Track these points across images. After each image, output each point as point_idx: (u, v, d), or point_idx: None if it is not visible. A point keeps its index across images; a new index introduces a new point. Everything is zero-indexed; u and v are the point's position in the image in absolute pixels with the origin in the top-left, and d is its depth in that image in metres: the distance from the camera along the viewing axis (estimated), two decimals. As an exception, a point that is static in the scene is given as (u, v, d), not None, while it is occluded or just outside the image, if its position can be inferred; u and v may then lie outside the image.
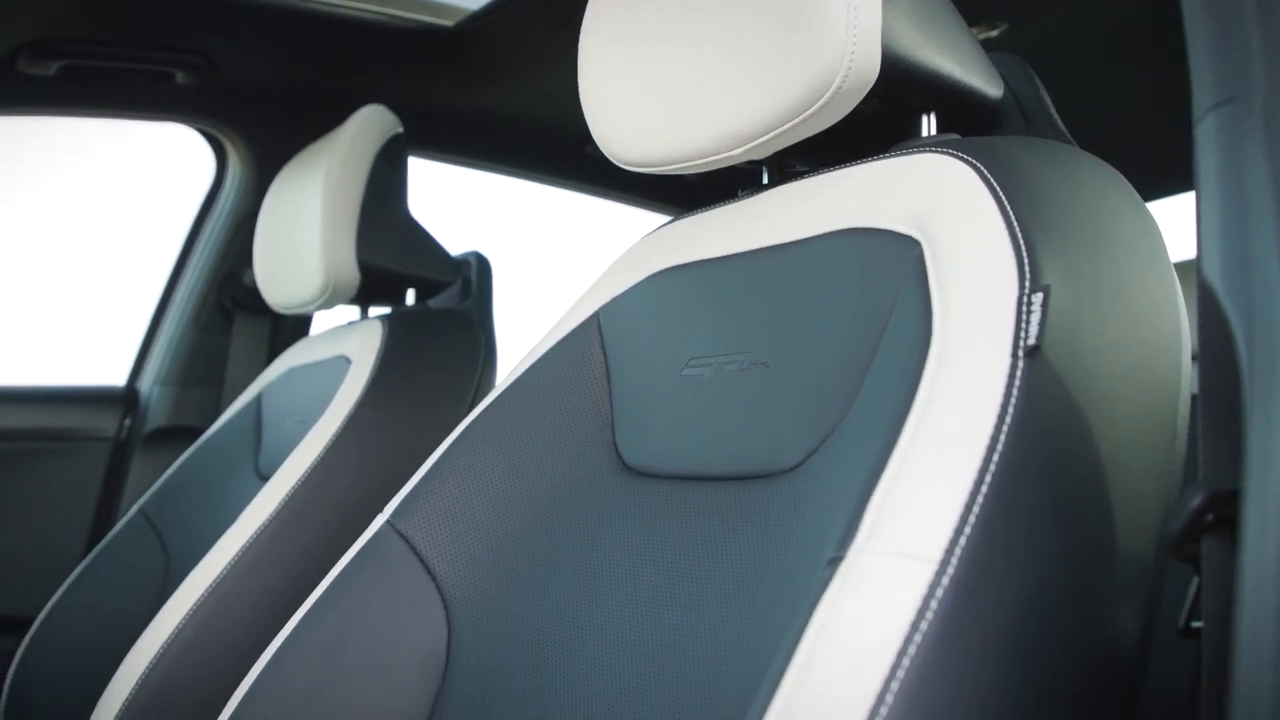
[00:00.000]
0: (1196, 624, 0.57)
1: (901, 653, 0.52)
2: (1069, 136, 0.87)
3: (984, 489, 0.55)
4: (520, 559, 0.89)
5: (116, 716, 1.24)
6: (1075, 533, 0.58)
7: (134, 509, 1.65)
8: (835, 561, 0.57)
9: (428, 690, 0.89)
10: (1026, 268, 0.63)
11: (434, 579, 0.91)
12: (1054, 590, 0.57)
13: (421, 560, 0.92)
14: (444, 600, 0.91)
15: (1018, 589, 0.55)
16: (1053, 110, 0.89)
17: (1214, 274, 0.50)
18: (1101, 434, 0.61)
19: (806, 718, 0.53)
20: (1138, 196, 0.75)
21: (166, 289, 2.01)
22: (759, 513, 0.74)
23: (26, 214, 2.41)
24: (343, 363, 1.44)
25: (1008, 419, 0.58)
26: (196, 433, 1.81)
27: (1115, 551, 0.61)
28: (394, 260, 1.54)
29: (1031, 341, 0.60)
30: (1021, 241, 0.65)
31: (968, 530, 0.54)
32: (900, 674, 0.52)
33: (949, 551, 0.54)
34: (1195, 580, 0.56)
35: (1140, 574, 0.62)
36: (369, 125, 1.53)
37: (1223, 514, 0.53)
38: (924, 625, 0.52)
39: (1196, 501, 0.55)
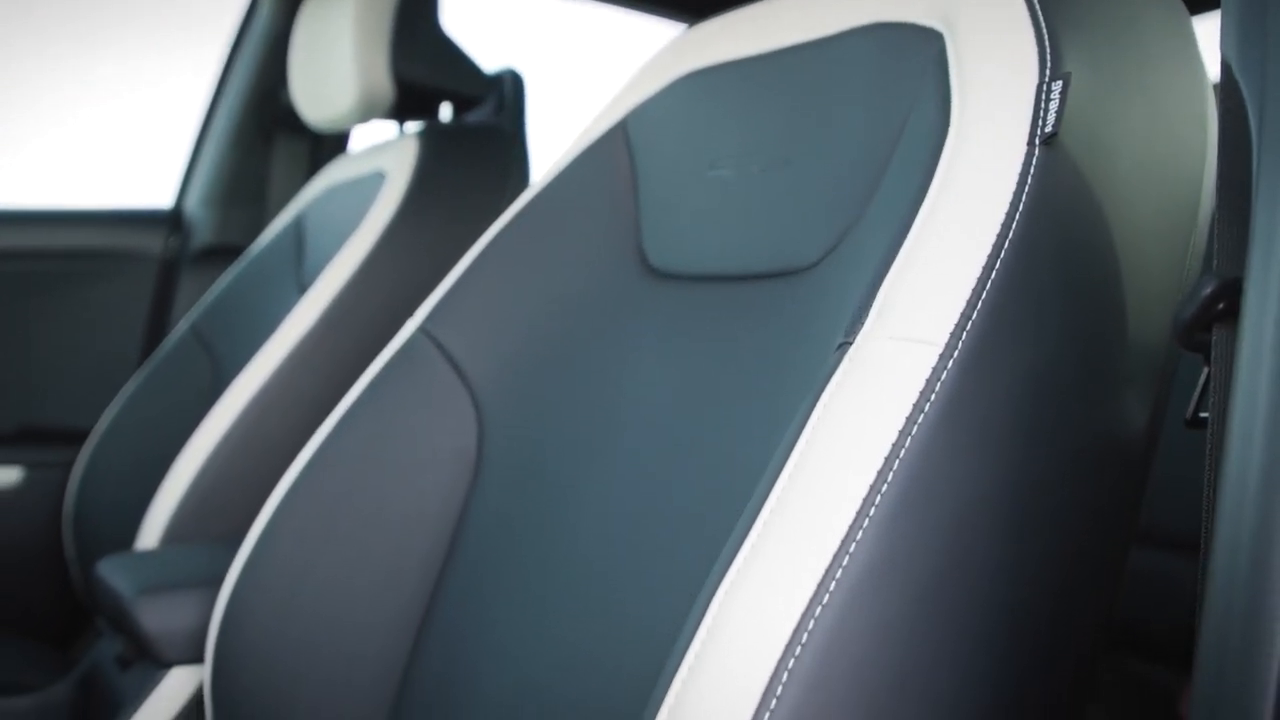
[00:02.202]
0: (1204, 415, 0.57)
1: (904, 433, 0.53)
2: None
3: (994, 274, 0.56)
4: (548, 361, 0.91)
5: (168, 519, 1.29)
6: (1085, 321, 0.59)
7: (182, 325, 1.69)
8: (844, 346, 0.58)
9: (459, 489, 0.92)
10: (1048, 55, 0.62)
11: (465, 381, 0.94)
12: (1061, 377, 0.58)
13: (453, 363, 0.94)
14: (475, 401, 0.93)
15: (1024, 375, 0.56)
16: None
17: (1231, 49, 0.49)
18: (1117, 225, 0.61)
19: (809, 489, 0.54)
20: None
21: (208, 110, 2.01)
22: (779, 311, 0.75)
23: (74, 41, 2.41)
24: (379, 178, 1.45)
25: (1021, 205, 0.57)
26: (240, 251, 1.83)
27: (1126, 341, 0.61)
28: (428, 74, 1.52)
29: (1049, 129, 0.59)
30: (1044, 29, 0.63)
31: (975, 315, 0.55)
32: (902, 453, 0.53)
33: (955, 335, 0.55)
34: (1205, 370, 0.57)
35: (1150, 365, 0.63)
36: (400, -64, 1.50)
37: (1234, 303, 0.53)
38: (927, 406, 0.53)
39: (1208, 289, 0.55)
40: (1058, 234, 0.58)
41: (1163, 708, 1.30)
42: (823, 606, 0.51)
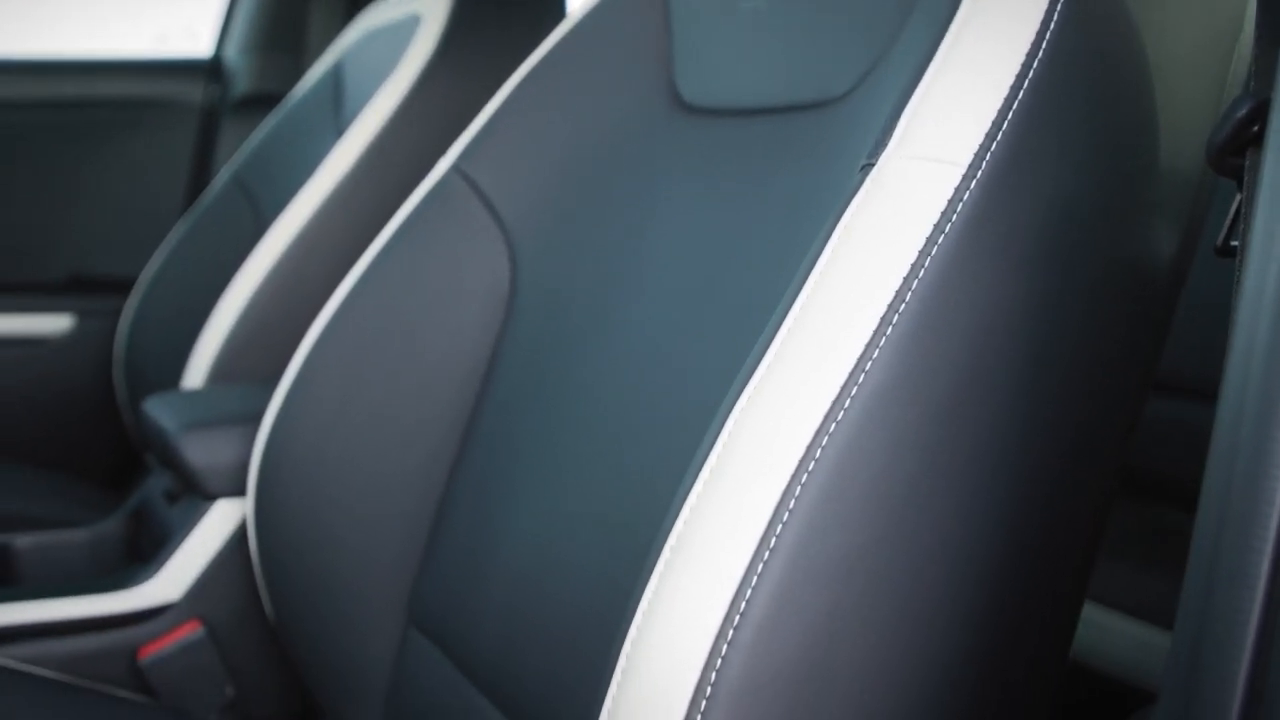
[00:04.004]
0: (1235, 244, 0.56)
1: (924, 252, 0.53)
2: None
3: (1020, 95, 0.55)
4: (580, 198, 0.91)
5: (212, 360, 1.32)
6: (1114, 146, 0.58)
7: (224, 173, 1.70)
8: (866, 168, 0.57)
9: (491, 328, 0.93)
10: None
11: (497, 218, 0.94)
12: (1087, 202, 0.57)
13: (485, 200, 0.94)
14: (507, 239, 0.93)
15: (1049, 197, 0.55)
16: None
17: None
18: (1152, 49, 0.60)
19: (827, 308, 0.54)
20: None
21: (248, -44, 1.99)
22: (809, 143, 0.74)
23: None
24: (415, 21, 1.43)
25: (1051, 26, 0.56)
26: (279, 99, 1.83)
27: (1156, 168, 0.60)
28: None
29: (1084, -52, 0.57)
30: None
31: (1000, 136, 0.54)
32: (922, 272, 0.53)
33: (979, 156, 0.54)
34: (1237, 197, 0.56)
35: (1182, 192, 0.62)
36: None
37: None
38: (948, 226, 0.53)
39: (1242, 111, 0.53)
40: (1088, 54, 0.57)
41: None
42: (837, 423, 0.51)
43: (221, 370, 1.33)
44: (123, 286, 1.79)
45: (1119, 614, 1.14)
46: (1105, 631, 1.13)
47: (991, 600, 0.56)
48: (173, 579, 1.07)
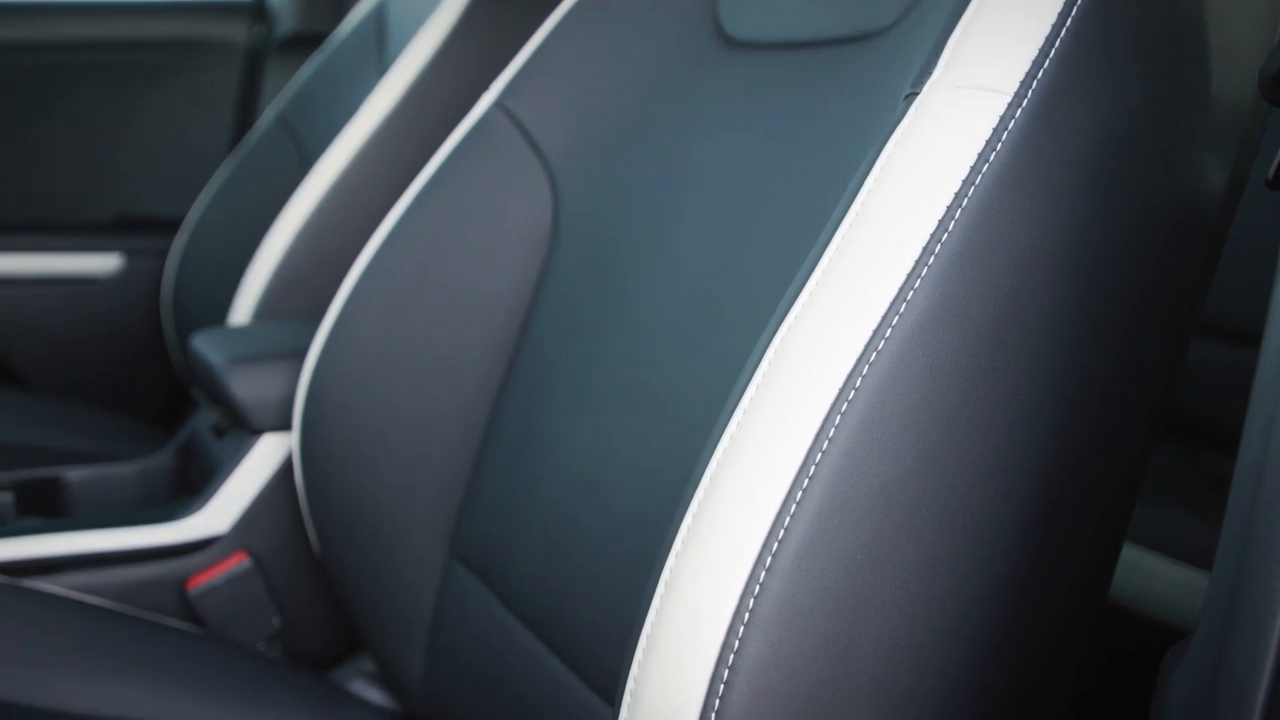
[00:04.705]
0: (1288, 175, 0.56)
1: (968, 181, 0.53)
2: None
3: (1068, 23, 0.54)
4: (622, 132, 0.90)
5: (258, 297, 1.34)
6: (1163, 76, 0.57)
7: (268, 114, 1.71)
8: (910, 97, 0.57)
9: (533, 266, 0.93)
10: None
11: (540, 153, 0.94)
12: (1134, 132, 0.56)
13: (527, 136, 0.94)
14: (549, 174, 0.93)
15: (1095, 127, 0.55)
16: None
17: None
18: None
19: (870, 237, 0.54)
20: None
21: (289, -105, 1.98)
22: (854, 76, 0.74)
23: None
24: (459, -42, 1.43)
25: (1101, -48, 0.55)
26: (323, 39, 1.83)
27: (1207, 99, 0.59)
28: None
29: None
30: None
31: (1046, 64, 0.53)
32: (965, 201, 0.52)
33: (1025, 85, 0.53)
34: None
35: (1233, 127, 0.61)
36: None
37: (1324, 56, 0.50)
38: (992, 155, 0.53)
39: (1296, 38, 0.52)
40: None
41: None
42: (878, 352, 0.51)
43: (267, 308, 1.34)
44: (170, 226, 1.81)
45: (1160, 556, 1.13)
46: (1145, 573, 1.13)
47: (1031, 532, 0.56)
48: (220, 512, 1.09)
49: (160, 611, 1.06)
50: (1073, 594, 0.61)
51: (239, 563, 1.08)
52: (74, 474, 1.26)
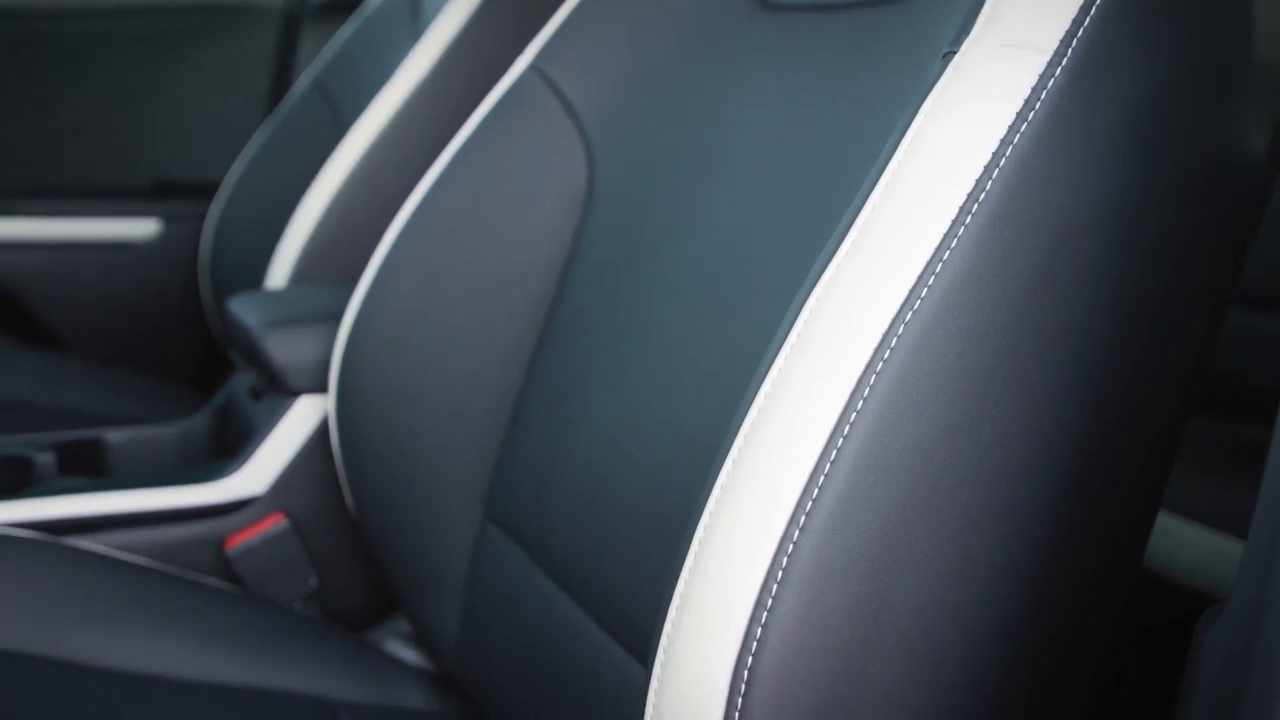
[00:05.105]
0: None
1: (1006, 140, 0.52)
2: None
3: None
4: (658, 95, 0.90)
5: (294, 261, 1.35)
6: (1206, 34, 0.56)
7: (304, 79, 1.71)
8: (948, 56, 0.56)
9: (568, 225, 0.93)
10: None
11: (574, 117, 0.93)
12: (1176, 93, 0.55)
13: (562, 99, 0.94)
14: (584, 137, 0.93)
15: (1136, 87, 0.54)
16: None
17: None
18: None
19: (907, 197, 0.54)
20: None
21: None
22: (891, 36, 0.73)
23: None
24: (494, -77, 1.42)
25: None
26: (359, 3, 1.83)
27: (1250, 57, 0.58)
28: None
29: None
30: None
31: (1087, 22, 0.53)
32: (1003, 161, 0.52)
33: (1065, 43, 0.53)
34: None
35: (1276, 84, 0.60)
36: None
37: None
38: (1031, 115, 0.52)
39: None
40: None
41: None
42: (914, 312, 0.51)
43: (303, 272, 1.35)
44: (207, 192, 1.82)
45: (1194, 523, 1.13)
46: (1180, 540, 1.12)
47: (1065, 494, 0.55)
48: (257, 473, 1.10)
49: (199, 571, 1.07)
50: (1106, 558, 0.61)
51: (276, 523, 1.09)
52: (114, 435, 1.28)
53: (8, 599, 0.89)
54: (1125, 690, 0.95)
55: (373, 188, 1.34)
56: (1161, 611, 1.07)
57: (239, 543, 1.08)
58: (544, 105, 0.95)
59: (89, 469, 1.25)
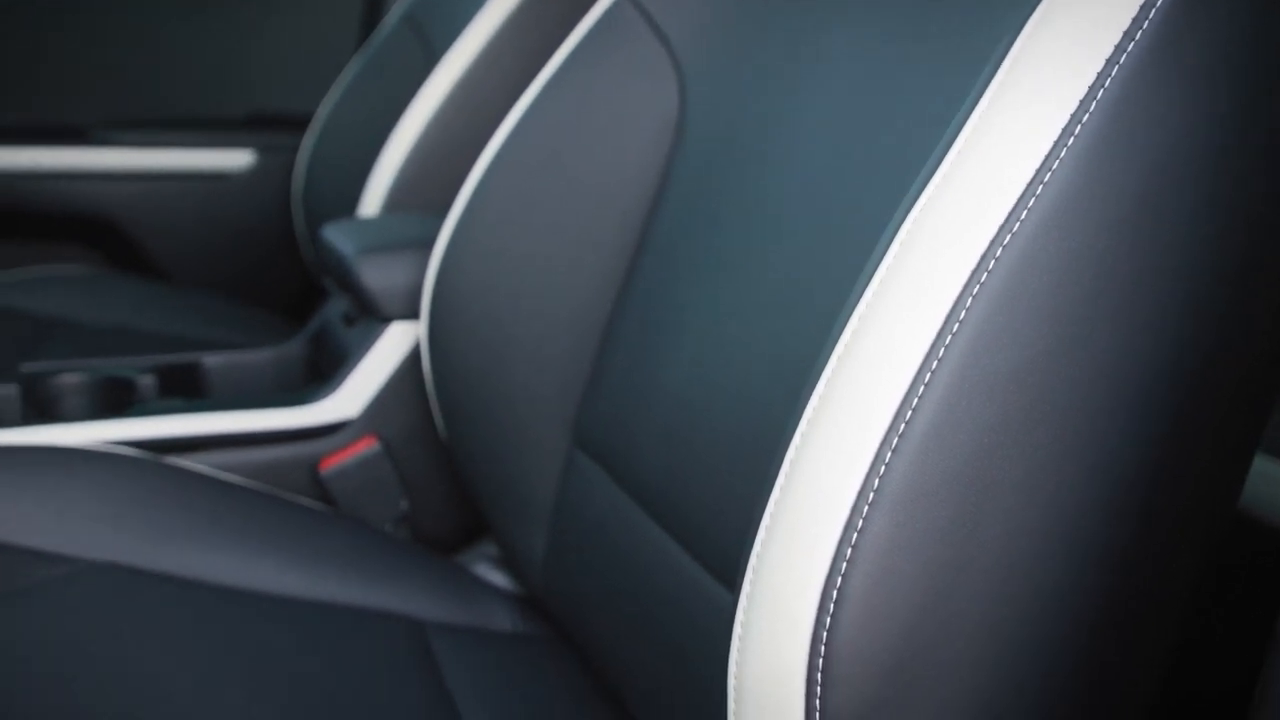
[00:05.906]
0: None
1: (1111, 60, 0.51)
2: None
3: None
4: (750, 28, 0.89)
5: (387, 189, 1.36)
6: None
7: (395, 12, 1.72)
8: None
9: (660, 153, 0.93)
10: None
11: (667, 46, 0.93)
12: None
13: (655, 27, 0.93)
14: (676, 67, 0.92)
15: (1240, 13, 0.52)
16: None
17: None
18: None
19: (1005, 123, 0.53)
20: None
21: None
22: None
23: None
24: None
25: None
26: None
27: None
28: None
29: None
30: None
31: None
32: (1108, 82, 0.51)
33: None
34: None
35: None
36: None
37: None
38: (1130, 45, 0.51)
39: None
40: None
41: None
42: (1013, 234, 0.50)
43: (395, 201, 1.37)
44: (300, 124, 1.84)
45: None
46: (1275, 482, 1.10)
47: (1159, 427, 0.54)
48: (350, 397, 1.12)
49: (293, 491, 1.10)
50: (1200, 495, 0.60)
51: (369, 446, 1.11)
52: (212, 359, 1.31)
53: (109, 514, 0.92)
54: (1220, 627, 0.94)
55: (464, 117, 1.35)
56: (1256, 554, 1.05)
57: (332, 465, 1.10)
58: (636, 32, 0.94)
59: (188, 391, 1.28)
